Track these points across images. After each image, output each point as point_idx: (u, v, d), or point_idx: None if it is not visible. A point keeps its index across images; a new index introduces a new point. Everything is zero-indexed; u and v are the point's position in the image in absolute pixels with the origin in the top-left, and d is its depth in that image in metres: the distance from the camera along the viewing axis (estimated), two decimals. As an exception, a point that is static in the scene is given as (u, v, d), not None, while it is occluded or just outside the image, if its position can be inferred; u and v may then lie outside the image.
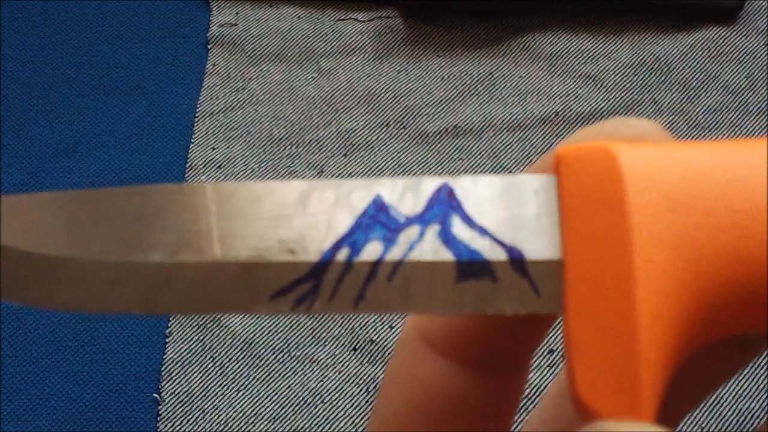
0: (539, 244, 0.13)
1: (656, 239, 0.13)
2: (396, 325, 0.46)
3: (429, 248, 0.14)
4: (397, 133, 0.54)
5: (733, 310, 0.13)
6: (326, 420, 0.44)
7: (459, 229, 0.14)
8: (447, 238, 0.14)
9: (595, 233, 0.13)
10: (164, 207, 0.14)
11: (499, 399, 0.16)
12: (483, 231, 0.14)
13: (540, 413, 0.17)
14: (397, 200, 0.14)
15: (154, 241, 0.14)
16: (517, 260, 0.13)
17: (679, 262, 0.13)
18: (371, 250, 0.14)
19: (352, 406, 0.45)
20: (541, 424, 0.17)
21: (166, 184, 0.14)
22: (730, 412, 0.43)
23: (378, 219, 0.14)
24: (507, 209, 0.14)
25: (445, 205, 0.14)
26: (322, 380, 0.45)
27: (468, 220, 0.14)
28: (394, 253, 0.14)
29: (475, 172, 0.52)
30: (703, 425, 0.43)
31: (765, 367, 0.44)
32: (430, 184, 0.14)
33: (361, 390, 0.45)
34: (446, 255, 0.13)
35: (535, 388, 0.44)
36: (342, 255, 0.14)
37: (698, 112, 0.54)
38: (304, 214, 0.14)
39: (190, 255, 0.14)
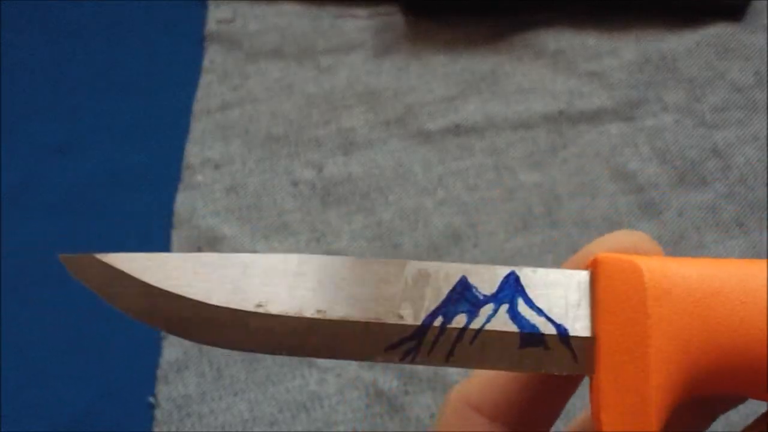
0: (579, 325, 0.19)
1: (666, 336, 0.18)
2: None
3: (500, 321, 0.19)
4: (398, 131, 0.53)
5: (717, 385, 0.18)
6: (325, 424, 0.44)
7: (522, 308, 0.19)
8: (514, 314, 0.19)
9: (622, 323, 0.18)
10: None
11: None
12: (540, 311, 0.19)
13: None
14: (477, 282, 0.19)
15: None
16: (563, 335, 0.19)
17: (681, 353, 0.18)
18: (459, 320, 0.19)
19: (351, 410, 0.44)
20: None
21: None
22: (736, 416, 0.42)
23: (464, 296, 0.19)
24: (556, 296, 0.19)
25: (512, 288, 0.19)
26: (321, 384, 0.44)
27: (529, 302, 0.19)
28: (476, 323, 0.19)
29: (477, 171, 0.51)
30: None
31: None
32: (501, 272, 0.19)
33: (360, 394, 0.44)
34: (513, 327, 0.19)
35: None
36: (437, 321, 0.19)
37: (705, 110, 0.53)
38: (414, 288, 0.19)
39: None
